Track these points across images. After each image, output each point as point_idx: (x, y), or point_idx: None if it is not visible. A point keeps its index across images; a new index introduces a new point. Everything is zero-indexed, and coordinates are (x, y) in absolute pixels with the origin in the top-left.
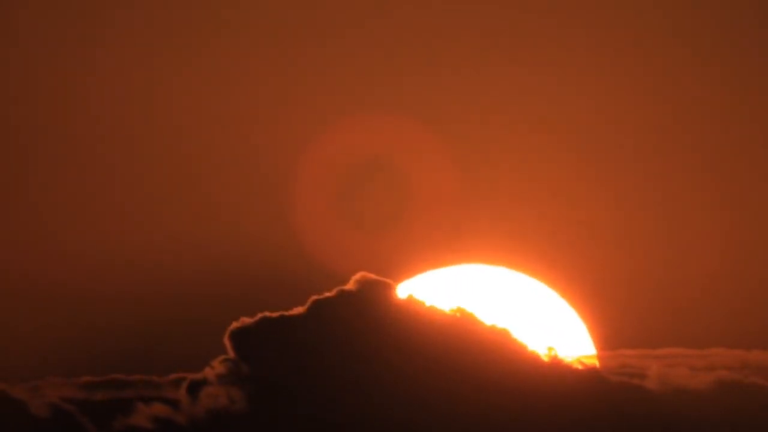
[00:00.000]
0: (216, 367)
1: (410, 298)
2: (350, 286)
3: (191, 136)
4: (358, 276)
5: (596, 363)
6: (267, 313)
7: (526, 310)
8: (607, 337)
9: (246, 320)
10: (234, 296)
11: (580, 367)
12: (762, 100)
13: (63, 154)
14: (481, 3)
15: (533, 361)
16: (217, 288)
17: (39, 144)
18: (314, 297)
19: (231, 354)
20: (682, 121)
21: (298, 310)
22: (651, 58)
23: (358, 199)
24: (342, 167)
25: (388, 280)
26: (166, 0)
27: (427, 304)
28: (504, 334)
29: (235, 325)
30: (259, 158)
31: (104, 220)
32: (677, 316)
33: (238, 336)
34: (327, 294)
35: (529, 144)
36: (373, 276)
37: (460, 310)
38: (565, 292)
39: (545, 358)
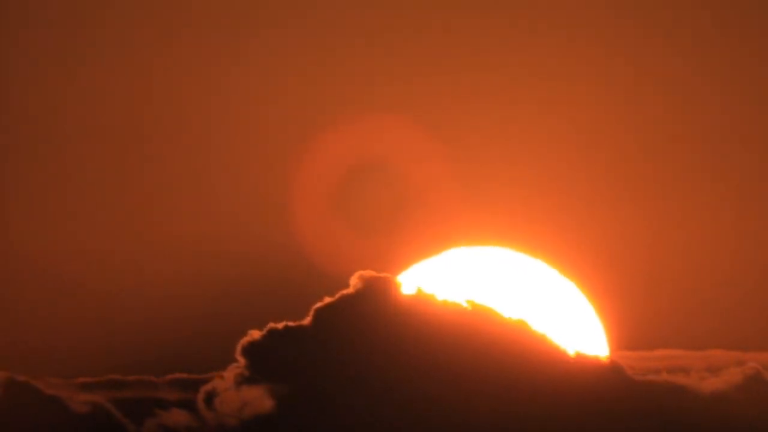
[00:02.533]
0: (228, 378)
1: (419, 292)
2: (351, 287)
3: (188, 138)
4: (357, 275)
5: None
6: (273, 325)
7: (525, 293)
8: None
9: (255, 333)
10: (231, 297)
11: (605, 363)
12: None
13: (60, 154)
14: (479, 4)
15: (558, 356)
16: (215, 288)
17: (38, 144)
18: (317, 305)
19: (242, 366)
20: (684, 122)
21: (306, 321)
22: (649, 57)
23: (356, 199)
24: (339, 168)
25: (388, 275)
26: (165, 0)
27: (438, 297)
28: (522, 325)
29: (245, 340)
30: (256, 159)
31: (101, 221)
32: (673, 318)
33: (249, 350)
34: (330, 299)
35: (530, 143)
36: (373, 273)
37: (471, 302)
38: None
39: (570, 354)
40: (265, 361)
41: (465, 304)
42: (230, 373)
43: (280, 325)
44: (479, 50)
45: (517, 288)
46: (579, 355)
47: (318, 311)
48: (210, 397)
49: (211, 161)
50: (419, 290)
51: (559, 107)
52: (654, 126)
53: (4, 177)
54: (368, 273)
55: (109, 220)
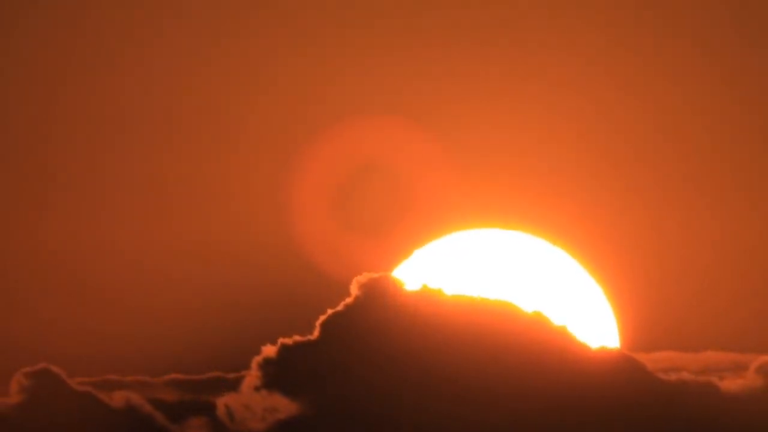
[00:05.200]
0: (246, 392)
1: (424, 289)
2: (352, 295)
3: (187, 139)
4: (356, 281)
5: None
6: (284, 340)
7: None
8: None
9: (269, 349)
10: (229, 296)
11: (628, 360)
12: None
13: (61, 154)
14: (476, 5)
15: (579, 351)
16: (212, 288)
17: (38, 144)
18: (322, 318)
19: (258, 379)
20: (680, 124)
21: (314, 334)
22: (646, 57)
23: (356, 199)
24: (339, 170)
25: (386, 274)
26: (165, 1)
27: (445, 291)
28: (540, 318)
29: (259, 357)
30: (255, 162)
31: (100, 221)
32: (668, 321)
33: (264, 366)
34: (332, 311)
35: (530, 145)
36: (371, 275)
37: (480, 296)
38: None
39: (592, 349)
40: (280, 376)
41: (475, 297)
42: (246, 384)
43: (290, 341)
44: (479, 50)
45: (515, 275)
46: (601, 351)
47: (324, 324)
48: (229, 407)
49: (211, 162)
50: (425, 286)
51: (568, 104)
52: (646, 134)
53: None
54: (365, 276)
55: (107, 222)
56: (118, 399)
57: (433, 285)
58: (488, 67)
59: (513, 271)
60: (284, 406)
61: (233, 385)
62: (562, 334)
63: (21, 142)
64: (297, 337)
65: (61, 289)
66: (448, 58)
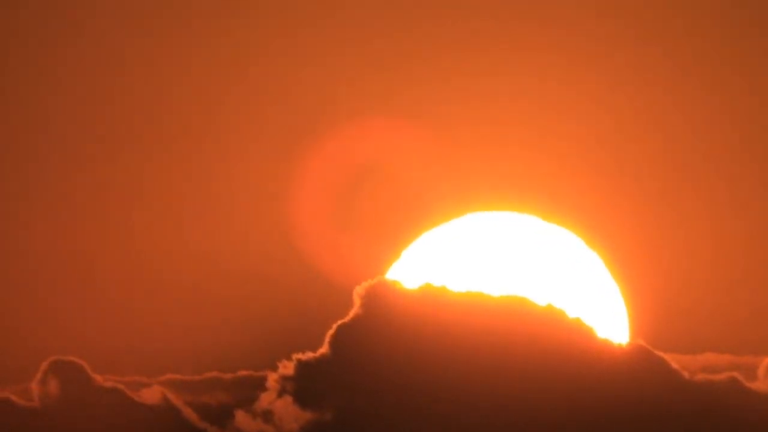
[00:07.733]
0: (263, 404)
1: (427, 287)
2: (354, 306)
3: (185, 142)
4: (356, 292)
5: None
6: (298, 356)
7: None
8: None
9: (286, 365)
10: (228, 297)
11: (653, 358)
12: None
13: (62, 156)
14: (476, 7)
15: (598, 346)
16: (211, 289)
17: (38, 145)
18: (330, 332)
19: (276, 393)
20: (673, 122)
21: (323, 348)
22: (645, 58)
23: (356, 202)
24: (339, 172)
25: (385, 279)
26: (165, 1)
27: (450, 288)
28: (551, 311)
29: (276, 375)
30: (255, 163)
31: (102, 221)
32: (668, 321)
33: (282, 383)
34: (337, 324)
35: (530, 146)
36: (370, 283)
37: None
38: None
39: (614, 344)
40: (299, 390)
41: (482, 293)
42: (263, 401)
43: (304, 357)
44: (479, 54)
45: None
46: (622, 347)
47: (333, 337)
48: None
49: (211, 163)
50: (428, 285)
51: (560, 105)
52: (646, 136)
53: None
54: (363, 287)
55: (106, 225)
56: (148, 397)
57: (436, 283)
58: (488, 67)
59: (514, 258)
60: (302, 417)
61: (231, 385)
62: (577, 327)
63: (39, 145)
64: (310, 353)
65: (62, 290)
66: (447, 59)
